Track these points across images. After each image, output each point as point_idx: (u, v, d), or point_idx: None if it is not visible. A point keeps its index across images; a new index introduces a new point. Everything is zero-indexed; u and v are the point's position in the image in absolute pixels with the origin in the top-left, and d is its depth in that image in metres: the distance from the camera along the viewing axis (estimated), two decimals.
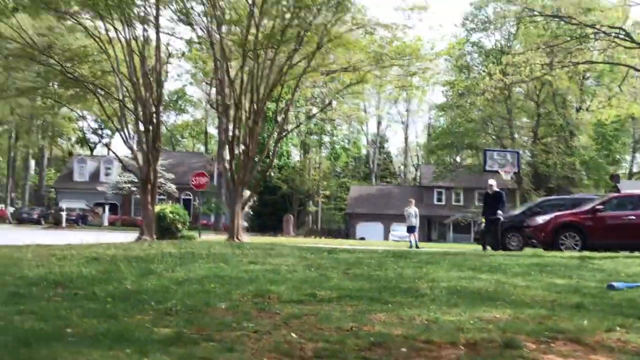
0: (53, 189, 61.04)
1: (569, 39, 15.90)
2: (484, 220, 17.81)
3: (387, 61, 23.52)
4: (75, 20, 20.77)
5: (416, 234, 22.71)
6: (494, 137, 48.67)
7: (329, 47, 22.34)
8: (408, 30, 23.22)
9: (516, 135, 49.53)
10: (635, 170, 66.50)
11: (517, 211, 20.54)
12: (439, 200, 57.03)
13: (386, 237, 48.99)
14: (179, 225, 20.94)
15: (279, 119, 24.89)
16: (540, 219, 16.75)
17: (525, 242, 18.09)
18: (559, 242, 15.59)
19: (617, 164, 63.80)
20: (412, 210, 22.61)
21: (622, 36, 14.46)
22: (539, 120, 47.97)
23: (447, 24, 68.89)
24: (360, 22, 22.35)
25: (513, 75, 18.58)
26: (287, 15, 20.21)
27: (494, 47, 49.60)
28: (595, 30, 14.94)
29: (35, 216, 49.57)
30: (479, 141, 48.50)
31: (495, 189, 17.33)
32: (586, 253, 13.03)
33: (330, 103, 37.57)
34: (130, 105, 21.42)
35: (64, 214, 45.39)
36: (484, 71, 38.26)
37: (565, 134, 46.89)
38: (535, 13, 15.91)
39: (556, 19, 15.17)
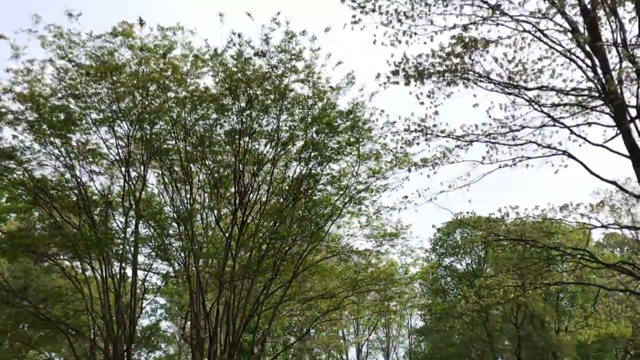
0: None
1: (537, 261, 16.45)
2: None
3: (363, 287, 23.85)
4: (53, 261, 21.05)
5: None
6: None
7: (305, 275, 22.69)
8: (381, 256, 23.94)
9: (499, 359, 48.28)
10: None
11: None
12: None
13: None
14: None
15: (256, 350, 24.13)
16: None
17: None
18: None
19: None
20: None
21: (587, 257, 15.02)
22: (520, 342, 47.22)
23: (418, 246, 70.76)
24: (335, 250, 23.07)
25: (488, 298, 18.79)
26: (264, 247, 20.79)
27: (466, 270, 50.67)
28: (561, 252, 15.53)
29: None
30: None
31: None
32: None
33: (308, 332, 36.83)
34: (102, 344, 20.76)
35: None
36: (459, 295, 38.50)
37: (548, 356, 45.89)
38: (501, 237, 16.58)
39: (521, 242, 15.81)
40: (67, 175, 19.89)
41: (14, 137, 18.74)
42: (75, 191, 19.97)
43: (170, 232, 21.97)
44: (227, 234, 20.62)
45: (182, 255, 21.62)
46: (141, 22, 17.26)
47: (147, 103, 18.59)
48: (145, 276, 24.12)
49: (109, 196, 21.09)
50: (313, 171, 19.87)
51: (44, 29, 17.32)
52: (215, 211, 21.61)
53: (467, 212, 17.13)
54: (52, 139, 18.76)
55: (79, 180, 19.90)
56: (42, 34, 17.38)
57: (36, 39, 17.41)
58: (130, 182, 20.17)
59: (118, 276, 20.86)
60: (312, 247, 21.56)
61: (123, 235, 21.17)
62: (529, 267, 17.37)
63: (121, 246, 21.18)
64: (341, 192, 20.40)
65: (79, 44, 17.55)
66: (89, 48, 17.62)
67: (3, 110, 18.15)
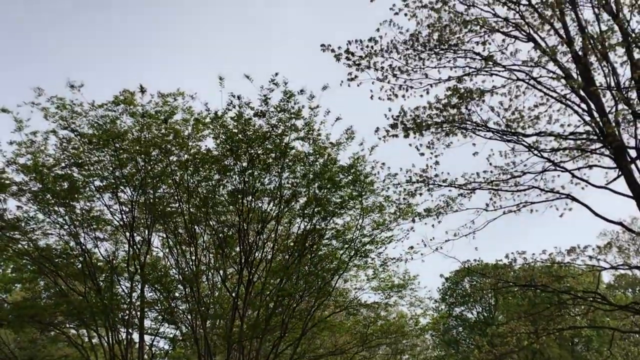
0: None
1: (548, 305, 16.26)
2: None
3: (373, 341, 23.50)
4: (59, 330, 20.82)
5: None
6: None
7: (314, 332, 22.37)
8: (390, 309, 23.67)
9: None
10: None
11: None
12: None
13: None
14: None
15: None
16: None
17: None
18: None
19: None
20: None
21: (599, 300, 14.85)
22: None
23: (427, 296, 69.84)
24: (343, 305, 22.85)
25: (501, 347, 18.48)
26: (271, 305, 20.57)
27: (477, 319, 49.93)
28: (572, 295, 15.36)
29: None
30: None
31: None
32: None
33: None
34: None
35: None
36: (472, 344, 37.78)
37: None
38: (510, 283, 16.44)
39: (532, 288, 15.66)
40: (72, 243, 19.90)
41: (19, 207, 18.86)
42: (80, 258, 19.94)
43: (177, 294, 21.79)
44: (233, 294, 20.45)
45: (189, 317, 21.37)
46: (142, 90, 17.61)
47: (149, 168, 18.76)
48: (153, 341, 23.79)
49: (114, 262, 21.04)
50: (317, 226, 19.85)
51: (46, 101, 17.68)
52: (221, 271, 21.48)
53: (475, 260, 17.03)
54: (56, 208, 18.86)
55: (83, 247, 19.90)
56: (45, 106, 17.73)
57: (39, 111, 17.75)
58: (135, 247, 20.15)
59: (125, 342, 20.57)
60: (320, 303, 21.34)
61: (129, 300, 21.01)
62: (541, 313, 17.15)
63: (127, 311, 20.98)
64: (346, 245, 20.33)
65: (81, 114, 17.87)
66: (91, 117, 17.93)
67: (7, 182, 18.31)
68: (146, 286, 21.06)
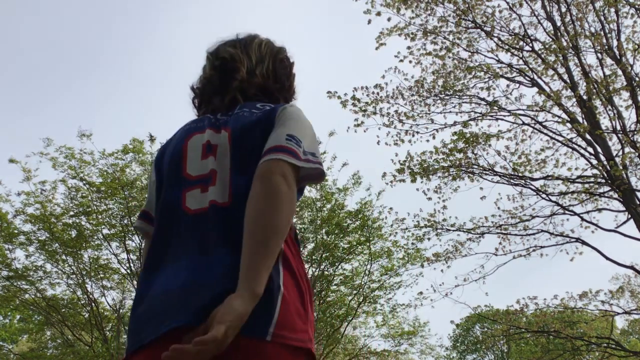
0: None
1: (562, 352, 15.96)
2: None
3: None
4: None
5: None
6: None
7: None
8: (401, 357, 23.29)
9: None
10: None
11: None
12: None
13: None
14: None
15: None
16: None
17: None
18: None
19: None
20: None
21: (612, 346, 14.56)
22: None
23: (438, 343, 68.66)
24: (352, 352, 22.50)
25: None
26: None
27: None
28: (585, 342, 15.09)
29: None
30: None
31: None
32: None
33: None
34: None
35: None
36: None
37: None
38: (522, 330, 16.18)
39: (544, 334, 15.41)
40: (79, 293, 19.78)
41: (27, 256, 18.82)
42: (87, 308, 19.80)
43: None
44: None
45: None
46: (151, 138, 17.79)
47: None
48: None
49: (121, 311, 20.87)
50: (326, 272, 19.72)
51: (55, 151, 17.82)
52: None
53: (485, 306, 16.81)
54: (63, 256, 18.81)
55: (90, 296, 19.75)
56: (53, 155, 17.87)
57: (48, 160, 17.88)
58: None
59: None
60: (329, 351, 21.02)
61: None
62: (555, 359, 16.87)
63: None
64: (355, 291, 20.14)
65: (90, 163, 18.00)
66: (100, 166, 18.06)
67: (15, 232, 18.33)
68: None
